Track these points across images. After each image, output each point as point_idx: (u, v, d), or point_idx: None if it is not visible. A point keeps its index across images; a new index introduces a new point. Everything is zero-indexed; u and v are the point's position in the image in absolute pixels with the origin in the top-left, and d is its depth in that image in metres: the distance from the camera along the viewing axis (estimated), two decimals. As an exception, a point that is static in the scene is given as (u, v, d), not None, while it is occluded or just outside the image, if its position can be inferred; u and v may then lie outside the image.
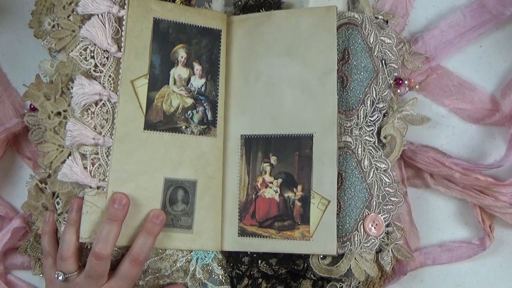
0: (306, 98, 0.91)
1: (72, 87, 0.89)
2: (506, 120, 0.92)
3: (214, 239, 0.90)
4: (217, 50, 0.94)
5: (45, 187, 0.94)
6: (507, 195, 0.90)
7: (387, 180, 0.89)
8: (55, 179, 0.91)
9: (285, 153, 0.91)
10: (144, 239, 0.85)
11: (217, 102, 0.93)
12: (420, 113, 0.93)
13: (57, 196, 0.92)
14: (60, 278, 0.85)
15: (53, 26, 0.95)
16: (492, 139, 0.95)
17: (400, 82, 0.93)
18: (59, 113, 0.91)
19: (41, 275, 0.97)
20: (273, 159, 0.91)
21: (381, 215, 0.88)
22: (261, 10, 0.95)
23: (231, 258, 0.92)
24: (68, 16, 0.90)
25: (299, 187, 0.89)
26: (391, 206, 0.89)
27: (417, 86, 0.95)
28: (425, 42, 0.95)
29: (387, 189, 0.89)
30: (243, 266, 0.91)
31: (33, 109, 0.97)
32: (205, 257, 0.90)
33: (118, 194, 0.85)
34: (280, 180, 0.91)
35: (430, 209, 0.96)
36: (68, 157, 0.89)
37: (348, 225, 0.88)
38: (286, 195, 0.90)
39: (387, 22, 0.94)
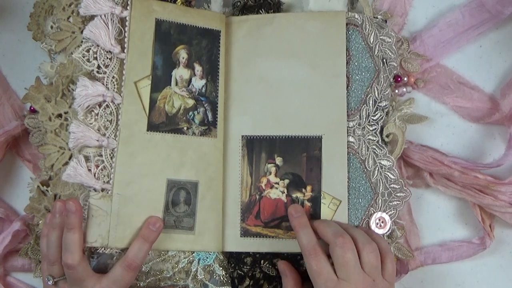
0: (314, 100, 0.92)
1: (72, 89, 0.90)
2: (505, 119, 0.93)
3: (215, 240, 0.91)
4: (217, 50, 0.95)
5: (46, 190, 0.95)
6: (506, 194, 0.90)
7: (392, 177, 0.91)
8: (57, 181, 0.91)
9: (292, 154, 0.92)
10: (140, 245, 0.85)
11: (217, 103, 0.94)
12: (419, 112, 0.94)
13: (59, 198, 0.92)
14: (50, 282, 0.86)
15: (54, 28, 0.95)
16: (492, 138, 0.96)
17: (399, 79, 0.94)
18: (59, 115, 0.92)
19: (42, 278, 0.96)
20: (278, 160, 0.92)
21: (387, 212, 0.90)
22: (260, 11, 0.96)
23: (233, 259, 0.92)
24: (68, 18, 0.91)
25: (308, 188, 0.91)
26: (397, 202, 0.90)
27: (419, 82, 0.95)
28: (424, 41, 0.96)
29: (392, 186, 0.91)
30: (245, 267, 0.92)
31: (33, 111, 0.97)
32: (207, 258, 0.91)
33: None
34: (287, 181, 0.92)
35: (430, 208, 0.97)
36: (69, 159, 0.90)
37: (353, 224, 0.90)
38: (294, 195, 0.91)
39: (386, 21, 0.95)
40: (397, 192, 0.91)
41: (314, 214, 0.90)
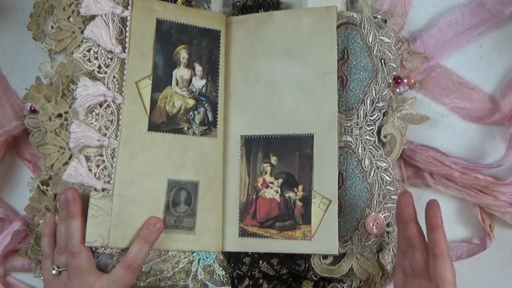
0: (307, 98, 0.92)
1: (73, 89, 0.91)
2: (506, 119, 0.93)
3: (215, 240, 0.92)
4: (217, 50, 0.95)
5: (46, 189, 0.95)
6: (506, 195, 0.91)
7: (388, 178, 0.91)
8: (57, 181, 0.92)
9: (286, 153, 0.92)
10: (140, 246, 0.86)
11: (217, 103, 0.95)
12: (419, 112, 0.95)
13: (59, 199, 0.91)
14: (54, 272, 0.87)
15: (54, 28, 0.96)
16: (492, 139, 0.97)
17: (399, 81, 0.95)
18: (60, 115, 0.93)
19: (41, 278, 0.96)
20: (273, 159, 0.93)
21: (382, 214, 0.90)
22: (260, 11, 0.96)
23: (232, 259, 0.93)
24: (68, 18, 0.91)
25: (300, 187, 0.91)
26: (391, 205, 0.91)
27: (417, 84, 0.96)
28: (424, 41, 0.97)
29: (388, 187, 0.91)
30: (244, 267, 0.92)
31: (33, 111, 0.98)
32: (207, 258, 0.91)
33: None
34: (280, 180, 0.92)
35: None
36: (69, 159, 0.90)
37: (349, 224, 0.90)
38: (287, 195, 0.92)
39: (385, 21, 0.95)
40: (392, 194, 0.91)
41: (305, 214, 0.91)
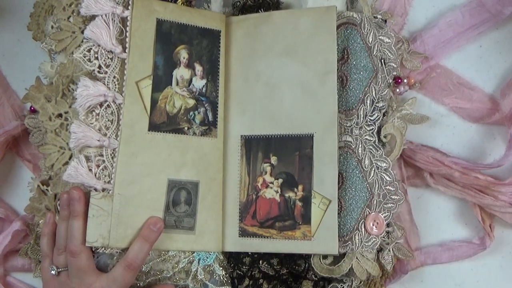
0: (306, 98, 0.92)
1: (73, 89, 0.91)
2: (506, 119, 0.94)
3: (215, 240, 0.92)
4: (217, 50, 0.96)
5: (47, 189, 0.96)
6: (506, 195, 0.91)
7: (388, 178, 0.91)
8: (57, 181, 0.93)
9: (286, 153, 0.92)
10: (140, 246, 0.86)
11: (218, 103, 0.95)
12: (419, 112, 0.95)
13: (59, 198, 0.92)
14: (53, 272, 0.88)
15: (54, 28, 0.96)
16: (492, 139, 0.97)
17: (399, 81, 0.95)
18: (60, 115, 0.93)
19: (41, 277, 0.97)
20: (273, 159, 0.93)
21: (382, 214, 0.90)
22: (260, 11, 0.97)
23: (232, 259, 0.94)
24: (68, 18, 0.92)
25: (300, 187, 0.91)
26: (391, 205, 0.91)
27: (417, 84, 0.96)
28: (424, 41, 0.97)
29: (388, 187, 0.91)
30: (244, 267, 0.92)
31: (33, 111, 0.98)
32: (207, 258, 0.92)
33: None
34: (280, 180, 0.92)
35: (430, 208, 0.97)
36: (69, 159, 0.91)
37: (349, 224, 0.90)
38: (287, 195, 0.92)
39: (385, 21, 0.95)
40: (392, 194, 0.91)
41: (305, 214, 0.91)
